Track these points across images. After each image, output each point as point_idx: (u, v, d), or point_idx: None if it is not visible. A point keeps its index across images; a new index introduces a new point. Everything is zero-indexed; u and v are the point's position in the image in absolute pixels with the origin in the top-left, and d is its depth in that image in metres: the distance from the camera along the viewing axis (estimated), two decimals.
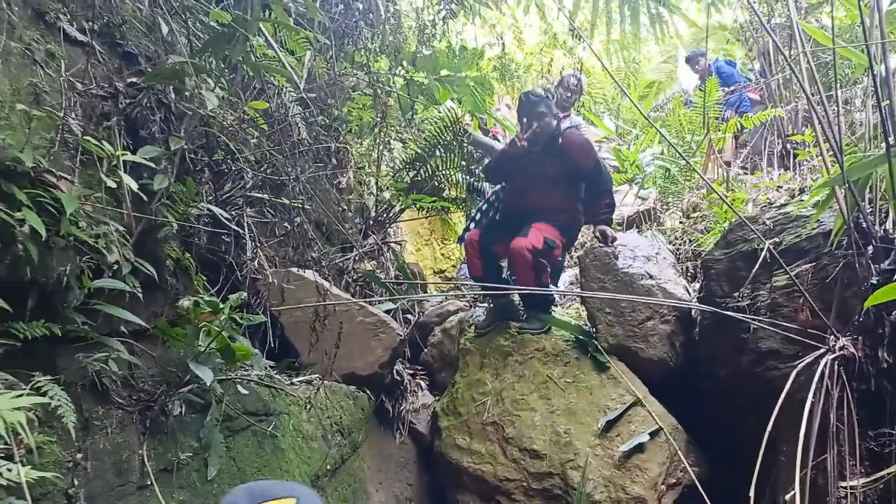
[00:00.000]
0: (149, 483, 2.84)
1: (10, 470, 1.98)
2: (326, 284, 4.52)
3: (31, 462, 2.26)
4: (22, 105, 2.55)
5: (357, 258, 6.03)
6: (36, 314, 2.56)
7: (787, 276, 3.65)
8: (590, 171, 5.36)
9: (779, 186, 5.52)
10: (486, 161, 6.26)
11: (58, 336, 2.64)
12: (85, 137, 2.61)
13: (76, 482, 2.57)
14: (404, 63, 6.46)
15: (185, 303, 3.03)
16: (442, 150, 6.70)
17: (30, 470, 2.07)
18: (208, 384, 2.93)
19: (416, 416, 5.28)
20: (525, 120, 5.37)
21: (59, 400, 2.30)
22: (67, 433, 2.52)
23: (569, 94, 6.90)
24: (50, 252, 2.53)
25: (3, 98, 2.66)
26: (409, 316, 6.29)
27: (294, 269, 4.54)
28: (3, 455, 2.06)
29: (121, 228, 2.78)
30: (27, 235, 2.36)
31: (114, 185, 2.64)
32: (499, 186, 5.91)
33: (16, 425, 1.87)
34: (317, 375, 4.19)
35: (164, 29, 3.25)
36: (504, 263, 5.57)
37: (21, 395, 2.06)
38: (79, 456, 2.62)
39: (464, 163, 6.78)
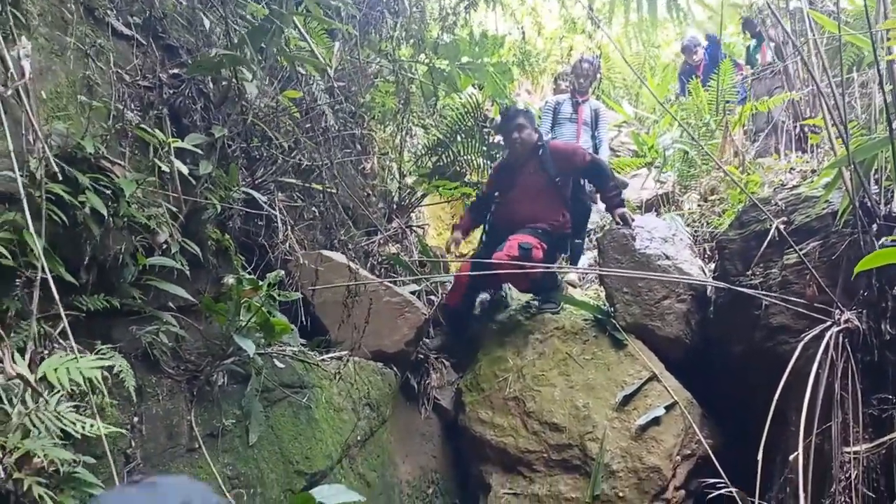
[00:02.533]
0: (197, 447, 3.07)
1: (92, 425, 2.20)
2: (353, 266, 4.72)
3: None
4: (82, 97, 2.75)
5: (381, 241, 6.24)
6: (96, 289, 2.79)
7: (797, 254, 3.80)
8: (586, 167, 5.63)
9: (792, 168, 5.64)
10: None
11: (114, 309, 2.87)
12: (140, 126, 2.82)
13: (133, 443, 2.80)
14: (426, 51, 6.62)
15: (229, 280, 3.24)
16: (463, 135, 6.87)
17: (102, 426, 2.29)
18: (251, 356, 3.15)
19: (440, 391, 5.48)
20: (506, 134, 5.61)
21: (121, 366, 2.53)
22: (125, 399, 2.75)
23: (582, 80, 7.01)
24: (107, 232, 2.75)
25: (60, 90, 2.88)
26: (432, 297, 6.48)
27: (324, 252, 4.75)
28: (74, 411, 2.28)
29: (173, 209, 3.00)
30: (89, 216, 2.58)
31: (167, 170, 2.85)
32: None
33: (94, 380, 2.08)
34: (346, 352, 4.40)
35: (206, 23, 3.45)
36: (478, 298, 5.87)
37: (93, 359, 2.29)
38: (135, 420, 2.86)
39: (484, 148, 6.95)
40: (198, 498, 1.19)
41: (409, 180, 7.16)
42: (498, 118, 7.73)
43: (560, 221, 5.61)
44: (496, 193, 5.89)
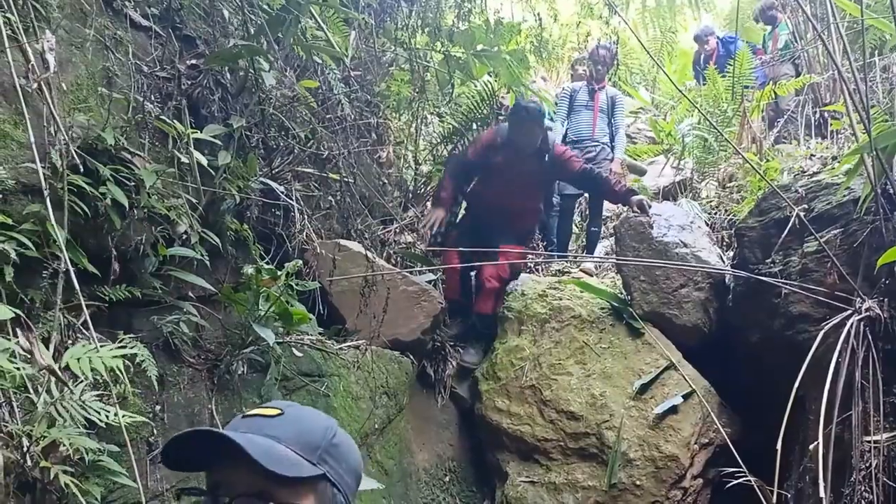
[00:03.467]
0: None
1: (115, 414, 2.23)
2: (370, 255, 4.74)
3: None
4: (102, 89, 2.77)
5: (398, 230, 6.25)
6: (117, 280, 2.81)
7: (818, 241, 3.78)
8: (583, 171, 5.66)
9: (812, 155, 5.59)
10: (452, 155, 6.43)
11: (136, 299, 2.91)
12: (160, 117, 2.84)
13: (155, 432, 2.84)
14: (442, 38, 6.60)
15: (248, 270, 3.26)
16: (478, 123, 6.85)
17: (124, 415, 2.32)
18: (271, 344, 3.18)
19: (456, 380, 5.50)
20: (517, 128, 5.51)
21: (143, 355, 2.55)
22: (147, 388, 2.79)
23: (599, 67, 6.95)
24: (128, 223, 2.77)
25: (81, 82, 2.90)
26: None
27: (341, 241, 4.76)
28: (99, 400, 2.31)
29: (192, 200, 3.02)
30: (110, 207, 2.61)
31: (186, 161, 2.87)
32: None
33: (116, 370, 2.11)
34: (364, 341, 4.42)
35: (224, 13, 3.45)
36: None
37: (114, 348, 2.31)
38: (157, 408, 2.89)
39: None
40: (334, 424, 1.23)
41: (425, 169, 7.16)
42: (511, 104, 7.72)
43: (537, 223, 5.84)
44: (481, 167, 5.81)
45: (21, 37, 2.50)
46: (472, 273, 5.69)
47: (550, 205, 7.27)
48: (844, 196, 3.93)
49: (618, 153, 7.06)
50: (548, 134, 5.84)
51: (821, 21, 5.72)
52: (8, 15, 2.48)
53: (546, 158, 5.56)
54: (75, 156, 2.55)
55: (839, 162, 4.29)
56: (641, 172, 8.84)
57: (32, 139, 2.44)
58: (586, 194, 7.12)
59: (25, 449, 2.08)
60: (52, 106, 2.48)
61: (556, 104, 7.14)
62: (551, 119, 7.37)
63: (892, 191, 3.39)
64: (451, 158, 6.56)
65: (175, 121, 2.97)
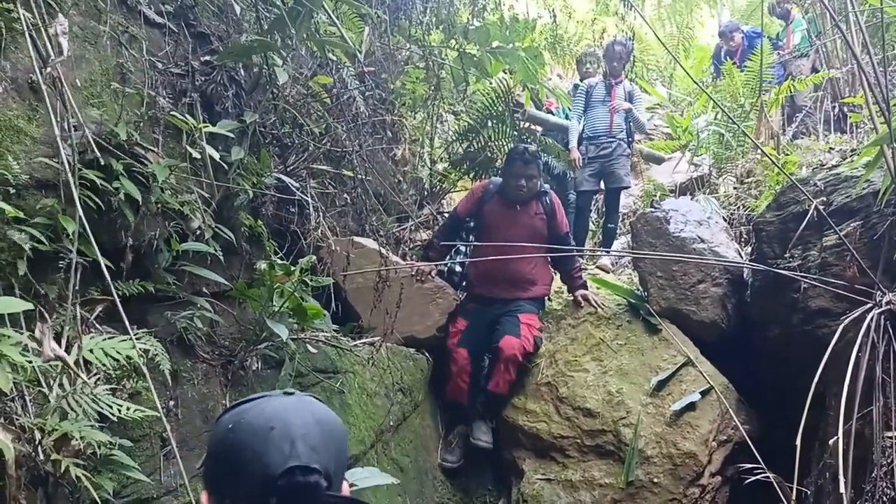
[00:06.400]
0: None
1: (128, 409, 2.23)
2: (384, 252, 4.73)
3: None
4: (115, 84, 2.78)
5: (413, 228, 6.24)
6: (131, 275, 2.82)
7: (837, 235, 3.72)
8: (565, 237, 5.35)
9: (831, 148, 5.52)
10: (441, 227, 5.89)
11: (149, 294, 2.91)
12: (173, 113, 2.85)
13: (169, 427, 2.84)
14: (457, 36, 6.58)
15: (262, 265, 3.27)
16: (494, 121, 6.83)
17: (136, 410, 2.32)
18: (285, 340, 3.17)
19: None
20: (510, 177, 5.23)
21: (156, 350, 2.56)
22: (160, 383, 2.79)
23: (614, 64, 6.90)
24: (142, 218, 2.78)
25: (94, 77, 2.91)
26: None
27: (355, 238, 4.76)
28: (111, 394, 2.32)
29: (206, 195, 3.02)
30: (123, 202, 2.61)
31: (198, 156, 2.87)
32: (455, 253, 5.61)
33: (135, 360, 2.12)
34: (378, 338, 4.41)
35: (237, 9, 3.46)
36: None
37: (126, 341, 2.32)
38: (171, 403, 2.90)
39: (515, 133, 6.90)
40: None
41: (440, 167, 7.14)
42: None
43: (550, 283, 5.40)
44: (470, 222, 5.47)
45: (34, 33, 2.51)
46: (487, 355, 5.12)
47: (567, 202, 7.24)
48: (864, 189, 3.87)
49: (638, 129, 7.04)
50: (547, 185, 5.57)
51: (839, 14, 5.65)
52: (23, 11, 2.49)
53: (545, 203, 5.27)
54: (92, 150, 2.56)
55: (858, 155, 4.23)
56: (658, 161, 8.80)
57: (47, 134, 2.46)
58: (602, 191, 7.09)
59: (38, 442, 2.08)
60: (65, 101, 2.49)
61: (573, 100, 7.10)
62: (567, 117, 7.35)
63: None
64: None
65: (188, 116, 2.97)
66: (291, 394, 1.28)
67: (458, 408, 5.07)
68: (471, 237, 5.55)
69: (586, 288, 5.39)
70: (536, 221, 5.26)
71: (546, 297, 5.42)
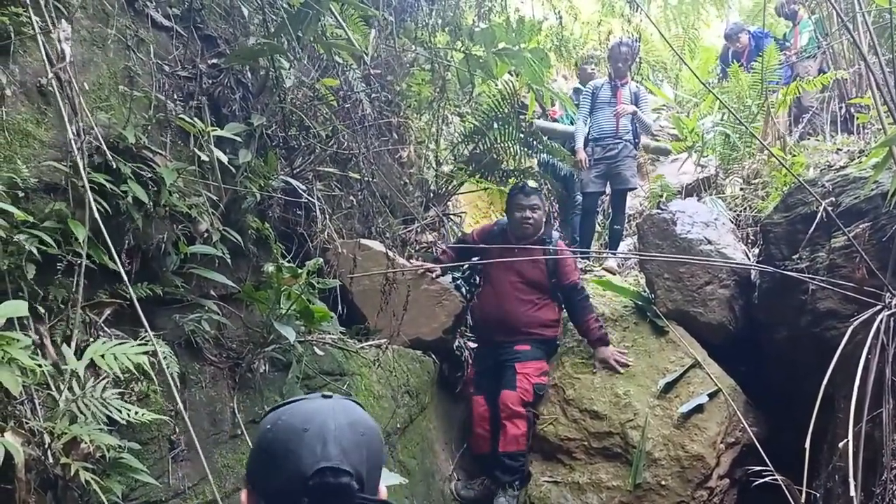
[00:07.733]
0: (240, 433, 3.12)
1: (137, 412, 2.23)
2: (391, 254, 4.73)
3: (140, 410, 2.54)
4: (123, 88, 2.79)
5: (419, 230, 6.24)
6: (139, 277, 2.83)
7: (845, 236, 3.71)
8: (575, 286, 5.08)
9: (838, 149, 5.50)
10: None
11: (157, 297, 2.92)
12: (180, 116, 2.85)
13: (177, 430, 2.84)
14: (462, 37, 6.58)
15: (269, 268, 3.27)
16: (500, 123, 6.82)
17: (145, 413, 2.32)
18: (292, 342, 3.17)
19: None
20: (515, 209, 5.19)
21: (164, 353, 2.56)
22: (168, 387, 2.79)
23: (620, 65, 6.89)
24: (149, 221, 2.79)
25: (102, 81, 2.92)
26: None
27: (362, 240, 4.76)
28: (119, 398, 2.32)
29: (213, 198, 3.03)
30: (131, 205, 2.62)
31: (206, 159, 2.88)
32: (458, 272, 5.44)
33: (143, 365, 2.12)
34: (385, 340, 4.41)
35: (245, 12, 3.46)
36: None
37: (136, 345, 2.32)
38: (179, 406, 2.89)
39: (521, 135, 6.89)
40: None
41: (446, 169, 7.13)
42: (537, 109, 7.68)
43: (557, 325, 5.21)
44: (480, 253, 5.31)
45: (44, 37, 2.52)
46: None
47: (573, 203, 7.22)
48: (872, 190, 3.85)
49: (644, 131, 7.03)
50: (551, 226, 5.47)
51: (846, 15, 5.64)
52: (30, 15, 2.50)
53: (549, 251, 5.12)
54: (100, 154, 2.56)
55: (866, 156, 4.21)
56: (666, 153, 8.79)
57: (70, 135, 2.46)
58: (608, 192, 7.08)
59: (47, 445, 2.09)
60: (73, 104, 2.49)
61: (579, 102, 7.10)
62: (572, 122, 7.34)
63: None
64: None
65: (196, 119, 2.98)
66: (330, 396, 1.31)
67: (483, 458, 4.94)
68: (476, 277, 5.45)
69: (606, 342, 4.99)
70: (535, 271, 5.09)
71: (555, 340, 5.20)
